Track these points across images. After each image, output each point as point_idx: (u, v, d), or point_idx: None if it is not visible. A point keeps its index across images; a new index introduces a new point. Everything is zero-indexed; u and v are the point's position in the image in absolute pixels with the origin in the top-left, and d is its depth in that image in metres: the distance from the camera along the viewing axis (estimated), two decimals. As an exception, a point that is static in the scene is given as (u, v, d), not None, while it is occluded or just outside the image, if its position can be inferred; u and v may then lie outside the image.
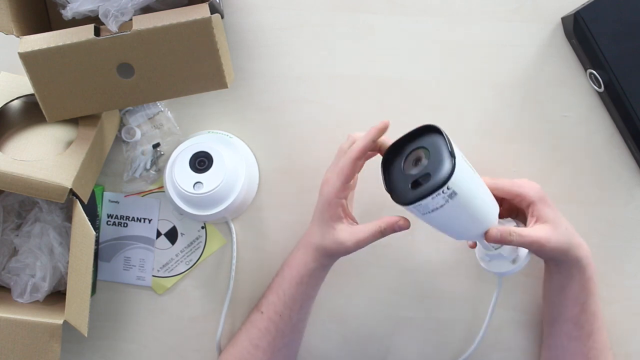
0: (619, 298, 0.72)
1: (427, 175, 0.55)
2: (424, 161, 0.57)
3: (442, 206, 0.55)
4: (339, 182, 0.62)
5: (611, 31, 0.67)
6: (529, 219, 0.63)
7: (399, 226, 0.61)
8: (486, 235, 0.59)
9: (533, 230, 0.61)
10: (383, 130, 0.62)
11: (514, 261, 0.64)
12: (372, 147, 0.63)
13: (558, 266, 0.65)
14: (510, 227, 0.60)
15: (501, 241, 0.60)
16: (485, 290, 0.73)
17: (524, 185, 0.64)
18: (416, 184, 0.56)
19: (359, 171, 0.65)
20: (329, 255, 0.65)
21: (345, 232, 0.62)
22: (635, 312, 0.72)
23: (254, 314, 0.69)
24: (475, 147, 0.73)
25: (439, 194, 0.54)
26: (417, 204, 0.55)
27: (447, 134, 0.56)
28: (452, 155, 0.54)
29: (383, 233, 0.61)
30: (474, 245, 0.69)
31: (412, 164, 0.58)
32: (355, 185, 0.68)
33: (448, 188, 0.54)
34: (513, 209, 0.67)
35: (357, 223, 0.65)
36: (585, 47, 0.68)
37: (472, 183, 0.57)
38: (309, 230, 0.67)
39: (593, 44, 0.67)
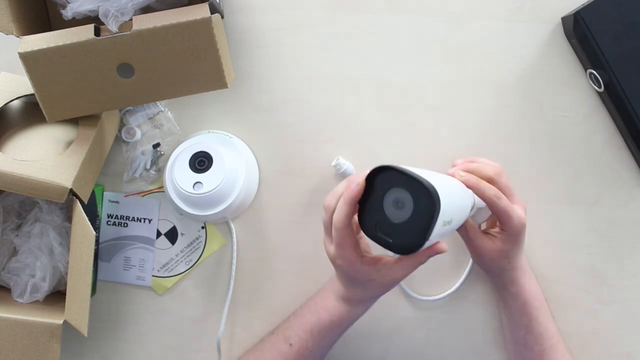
0: (619, 298, 0.72)
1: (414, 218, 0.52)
2: (407, 207, 0.53)
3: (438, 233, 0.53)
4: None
5: (611, 31, 0.67)
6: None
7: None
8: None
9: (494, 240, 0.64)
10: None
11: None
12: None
13: (497, 284, 0.69)
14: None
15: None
16: (484, 290, 0.73)
17: (514, 213, 0.62)
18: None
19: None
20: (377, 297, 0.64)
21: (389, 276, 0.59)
22: (635, 312, 0.72)
23: (281, 344, 0.66)
24: (475, 147, 0.73)
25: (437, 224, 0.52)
26: (425, 244, 0.53)
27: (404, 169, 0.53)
28: (435, 194, 0.51)
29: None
30: None
31: (392, 205, 0.54)
32: None
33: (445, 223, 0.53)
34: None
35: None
36: (585, 47, 0.68)
37: (449, 197, 0.54)
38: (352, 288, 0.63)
39: (593, 44, 0.67)
